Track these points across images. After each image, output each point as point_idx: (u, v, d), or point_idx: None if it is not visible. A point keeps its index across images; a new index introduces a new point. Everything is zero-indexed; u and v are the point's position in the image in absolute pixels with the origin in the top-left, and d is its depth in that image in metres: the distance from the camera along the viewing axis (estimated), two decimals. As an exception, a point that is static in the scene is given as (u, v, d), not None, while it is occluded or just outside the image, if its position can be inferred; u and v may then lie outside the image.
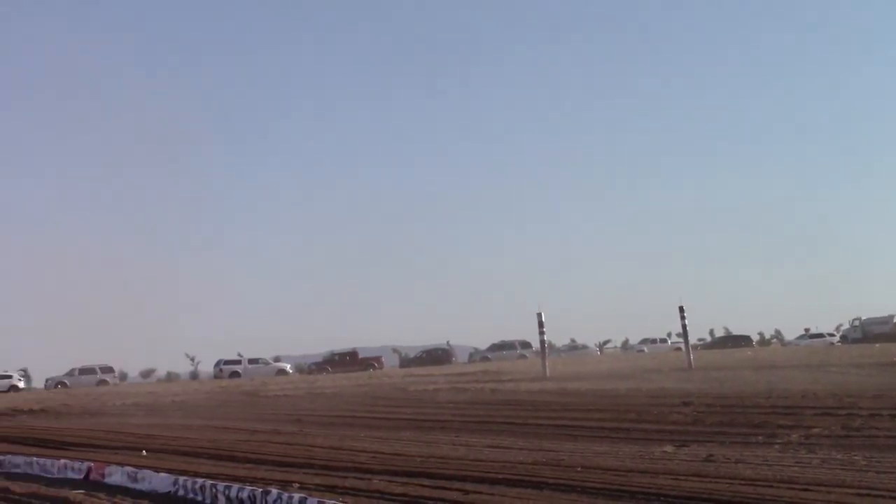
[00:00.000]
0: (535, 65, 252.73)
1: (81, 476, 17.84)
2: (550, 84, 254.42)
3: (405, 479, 14.71)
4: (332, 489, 14.13)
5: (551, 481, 13.74)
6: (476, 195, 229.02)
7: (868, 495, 11.89)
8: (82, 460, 18.80)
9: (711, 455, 16.21)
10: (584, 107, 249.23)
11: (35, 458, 20.06)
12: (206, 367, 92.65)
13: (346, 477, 15.34)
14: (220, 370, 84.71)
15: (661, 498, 12.21)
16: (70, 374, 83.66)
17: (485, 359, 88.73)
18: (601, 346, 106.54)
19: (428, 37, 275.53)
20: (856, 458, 15.37)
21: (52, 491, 16.46)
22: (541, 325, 53.59)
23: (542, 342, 55.30)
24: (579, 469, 14.95)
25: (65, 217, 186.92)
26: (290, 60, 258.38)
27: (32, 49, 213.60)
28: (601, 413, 25.44)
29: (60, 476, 18.28)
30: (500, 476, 14.46)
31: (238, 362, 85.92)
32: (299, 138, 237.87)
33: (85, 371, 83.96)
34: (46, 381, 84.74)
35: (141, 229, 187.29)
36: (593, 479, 13.70)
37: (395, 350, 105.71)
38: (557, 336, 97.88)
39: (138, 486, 16.00)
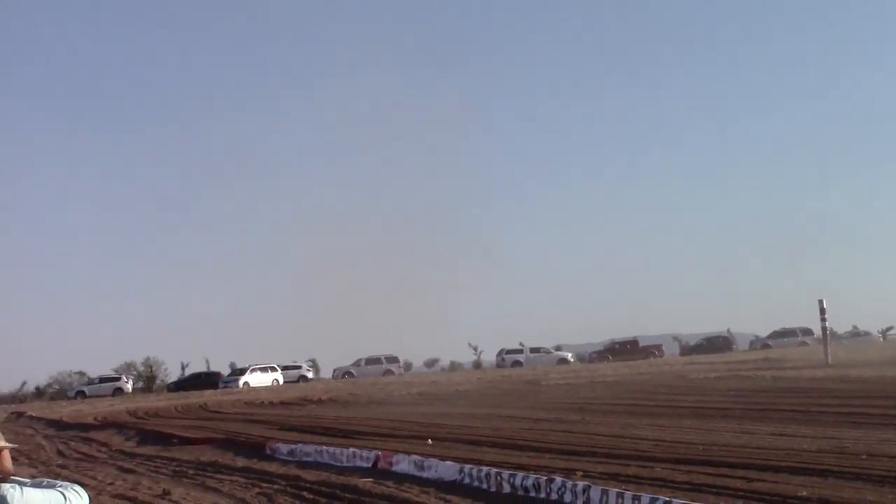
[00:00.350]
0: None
1: (369, 464, 18.59)
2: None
3: (687, 467, 14.84)
4: (614, 477, 14.37)
5: (835, 469, 13.63)
6: (766, 180, 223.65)
7: None
8: (370, 449, 19.62)
9: None
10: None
11: (324, 447, 21.04)
12: (489, 357, 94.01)
13: (628, 465, 15.55)
14: (503, 359, 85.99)
15: (950, 486, 11.97)
16: (356, 364, 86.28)
17: (765, 346, 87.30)
18: (884, 332, 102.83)
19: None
20: None
21: (341, 479, 17.24)
22: (822, 311, 52.45)
23: (824, 329, 54.05)
24: (864, 457, 14.75)
25: (350, 208, 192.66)
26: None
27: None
28: (885, 400, 24.83)
29: (349, 464, 19.10)
30: (783, 464, 14.42)
31: (520, 352, 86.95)
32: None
33: (371, 361, 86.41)
34: (334, 371, 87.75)
35: (419, 222, 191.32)
36: (879, 467, 13.53)
37: (675, 338, 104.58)
38: (839, 323, 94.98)
39: (425, 475, 16.57)
